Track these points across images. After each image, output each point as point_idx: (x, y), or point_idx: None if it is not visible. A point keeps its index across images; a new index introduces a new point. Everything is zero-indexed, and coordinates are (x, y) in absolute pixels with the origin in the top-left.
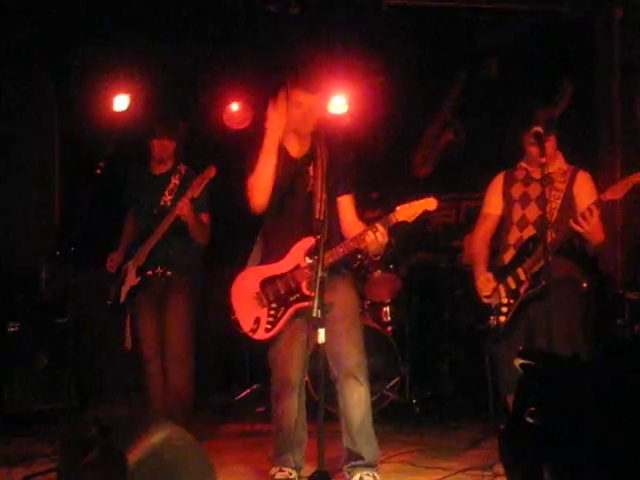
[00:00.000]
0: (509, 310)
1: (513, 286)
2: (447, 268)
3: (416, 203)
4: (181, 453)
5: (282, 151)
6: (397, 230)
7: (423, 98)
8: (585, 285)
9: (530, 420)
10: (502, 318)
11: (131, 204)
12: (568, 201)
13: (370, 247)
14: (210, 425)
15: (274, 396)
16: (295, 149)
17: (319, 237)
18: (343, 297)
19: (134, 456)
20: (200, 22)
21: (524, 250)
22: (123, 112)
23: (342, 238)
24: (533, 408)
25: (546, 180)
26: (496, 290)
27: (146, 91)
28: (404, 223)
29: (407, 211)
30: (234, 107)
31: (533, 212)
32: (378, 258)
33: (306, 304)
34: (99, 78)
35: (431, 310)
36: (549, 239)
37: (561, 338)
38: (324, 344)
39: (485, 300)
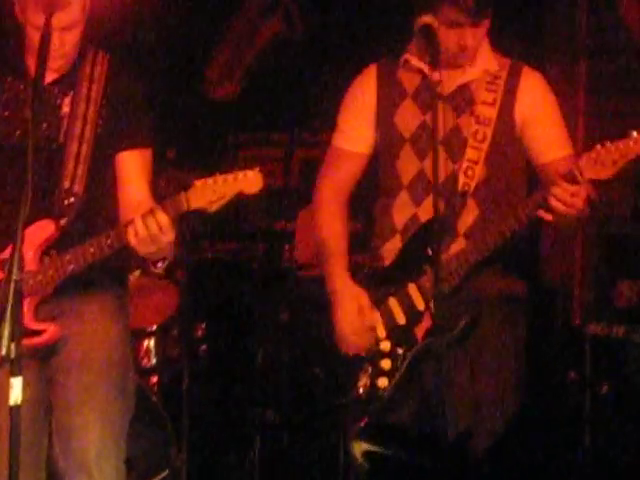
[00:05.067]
0: (395, 366)
1: (400, 319)
2: (265, 269)
3: (228, 179)
4: None
5: (13, 68)
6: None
7: None
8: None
9: None
10: (382, 381)
11: None
12: (506, 141)
13: (140, 248)
14: None
15: None
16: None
17: (63, 222)
18: (92, 329)
19: None
20: None
21: (421, 245)
22: None
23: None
24: None
25: (454, 100)
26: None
27: None
28: (202, 211)
29: (210, 192)
30: None
31: (440, 164)
32: (159, 267)
33: (34, 340)
34: None
35: (233, 346)
36: (464, 224)
37: (487, 406)
38: (19, 407)
39: (351, 345)
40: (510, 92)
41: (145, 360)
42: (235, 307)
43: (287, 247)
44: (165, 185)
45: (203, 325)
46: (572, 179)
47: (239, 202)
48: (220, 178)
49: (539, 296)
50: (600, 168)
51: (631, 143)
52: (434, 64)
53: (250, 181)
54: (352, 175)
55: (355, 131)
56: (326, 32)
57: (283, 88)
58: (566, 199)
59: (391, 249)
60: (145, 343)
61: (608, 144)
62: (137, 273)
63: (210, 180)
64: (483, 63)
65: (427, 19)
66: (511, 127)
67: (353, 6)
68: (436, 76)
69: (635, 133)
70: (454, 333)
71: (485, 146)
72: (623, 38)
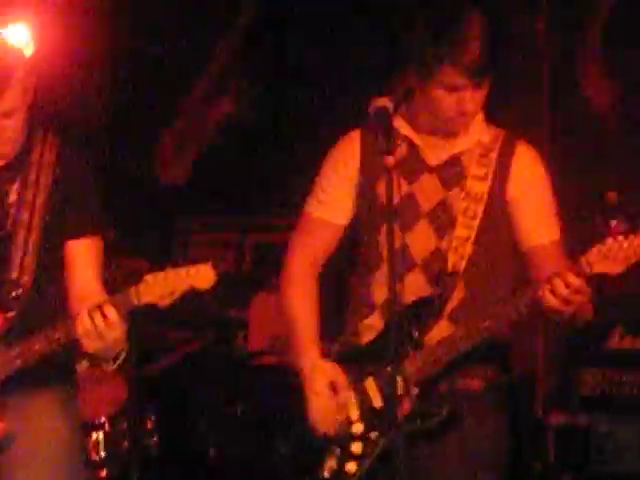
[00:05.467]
0: (366, 451)
1: (377, 402)
2: (219, 357)
3: (179, 274)
4: None
5: None
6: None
7: (186, 37)
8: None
9: None
10: (351, 466)
11: None
12: (496, 219)
13: (86, 344)
14: None
15: None
16: None
17: (12, 314)
18: (38, 427)
19: None
20: None
21: (405, 325)
22: None
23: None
24: None
25: (444, 170)
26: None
27: None
28: (153, 306)
29: (161, 287)
30: None
31: (424, 239)
32: (111, 365)
33: None
34: None
35: (184, 438)
36: (450, 305)
37: None
38: None
39: (322, 425)
40: (503, 167)
41: (94, 453)
42: (186, 398)
43: (240, 335)
44: (115, 271)
45: (153, 417)
46: (578, 273)
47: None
48: (171, 273)
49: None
50: (610, 263)
51: None
52: (388, 150)
53: (202, 276)
54: (328, 247)
55: (335, 201)
56: (279, 112)
57: (235, 171)
58: (564, 293)
59: (369, 326)
60: (94, 436)
61: (621, 238)
62: (85, 363)
63: (161, 275)
64: (476, 133)
65: (383, 102)
66: (502, 204)
67: (307, 86)
68: (390, 160)
69: None
70: (434, 422)
71: (475, 223)
72: (587, 119)
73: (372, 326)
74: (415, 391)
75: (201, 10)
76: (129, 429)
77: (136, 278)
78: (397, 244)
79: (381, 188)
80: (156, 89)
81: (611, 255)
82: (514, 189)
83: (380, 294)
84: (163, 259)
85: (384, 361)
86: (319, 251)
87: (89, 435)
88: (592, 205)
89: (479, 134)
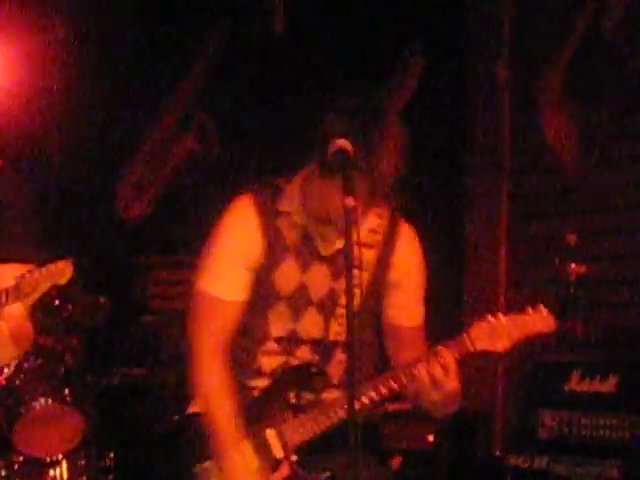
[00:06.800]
0: None
1: (253, 464)
2: (178, 397)
3: (42, 272)
4: None
5: None
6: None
7: (147, 71)
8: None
9: None
10: None
11: None
12: (379, 289)
13: None
14: None
15: None
16: None
17: None
18: None
19: None
20: None
21: (286, 390)
22: None
23: None
24: None
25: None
26: None
27: None
28: (21, 303)
29: (25, 286)
30: None
31: (312, 325)
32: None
33: None
34: None
35: (143, 476)
36: (336, 374)
37: None
38: None
39: None
40: (389, 244)
41: None
42: (146, 435)
43: None
44: (73, 308)
45: (111, 454)
46: (461, 350)
47: (151, 328)
48: (36, 271)
49: (459, 425)
50: (495, 340)
51: (528, 319)
52: (347, 191)
53: (60, 271)
54: (232, 324)
55: (237, 279)
56: (242, 150)
57: (196, 209)
58: (437, 373)
59: (255, 387)
60: (51, 473)
61: (500, 316)
62: (43, 400)
63: (27, 274)
64: (367, 222)
65: (342, 143)
66: (386, 275)
67: (268, 126)
68: (350, 201)
69: (531, 310)
70: None
71: (360, 292)
72: (547, 158)
73: (257, 387)
74: (294, 457)
75: (162, 48)
76: (87, 465)
77: (98, 314)
78: (286, 327)
79: (277, 274)
80: (117, 126)
81: (495, 333)
82: (396, 269)
83: (268, 363)
84: (123, 296)
85: (262, 425)
86: (223, 330)
87: (47, 471)
88: (552, 246)
89: (369, 223)
